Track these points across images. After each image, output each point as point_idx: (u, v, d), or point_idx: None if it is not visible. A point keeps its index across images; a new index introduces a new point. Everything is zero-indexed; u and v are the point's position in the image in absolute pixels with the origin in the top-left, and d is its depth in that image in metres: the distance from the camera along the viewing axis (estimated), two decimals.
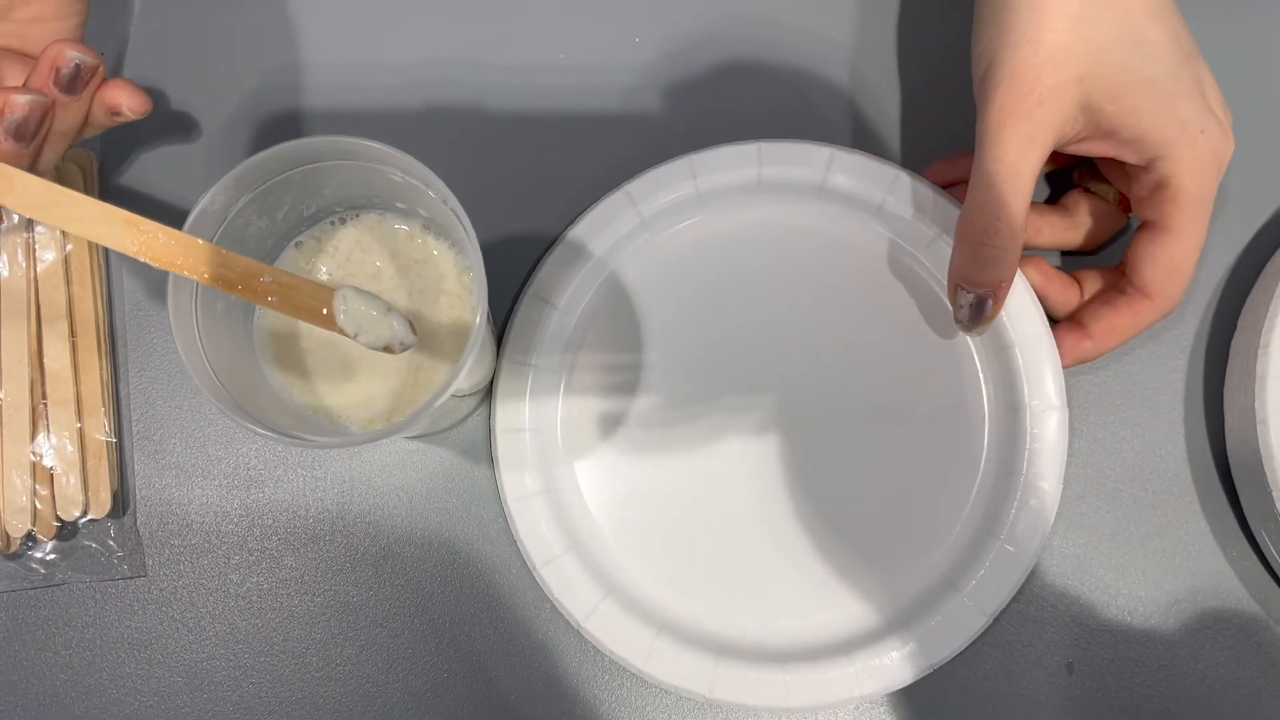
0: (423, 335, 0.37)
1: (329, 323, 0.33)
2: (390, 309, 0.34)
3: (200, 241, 0.32)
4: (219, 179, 0.32)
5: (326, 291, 0.33)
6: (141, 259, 0.31)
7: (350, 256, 0.38)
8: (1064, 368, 0.40)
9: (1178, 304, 0.38)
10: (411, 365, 0.37)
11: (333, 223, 0.38)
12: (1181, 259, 0.37)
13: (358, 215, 0.38)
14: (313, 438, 0.32)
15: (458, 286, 0.37)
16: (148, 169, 0.44)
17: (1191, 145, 0.36)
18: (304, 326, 0.37)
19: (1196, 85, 0.36)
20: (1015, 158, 0.36)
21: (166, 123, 0.44)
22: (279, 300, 0.33)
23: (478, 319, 0.31)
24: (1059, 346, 0.40)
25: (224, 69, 0.45)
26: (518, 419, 0.41)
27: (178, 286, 0.32)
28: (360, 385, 0.37)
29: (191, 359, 0.32)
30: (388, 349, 0.34)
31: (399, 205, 0.37)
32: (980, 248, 0.37)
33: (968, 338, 0.42)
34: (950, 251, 0.40)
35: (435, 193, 0.33)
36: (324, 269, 0.37)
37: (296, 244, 0.38)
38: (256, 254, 0.37)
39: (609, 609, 0.40)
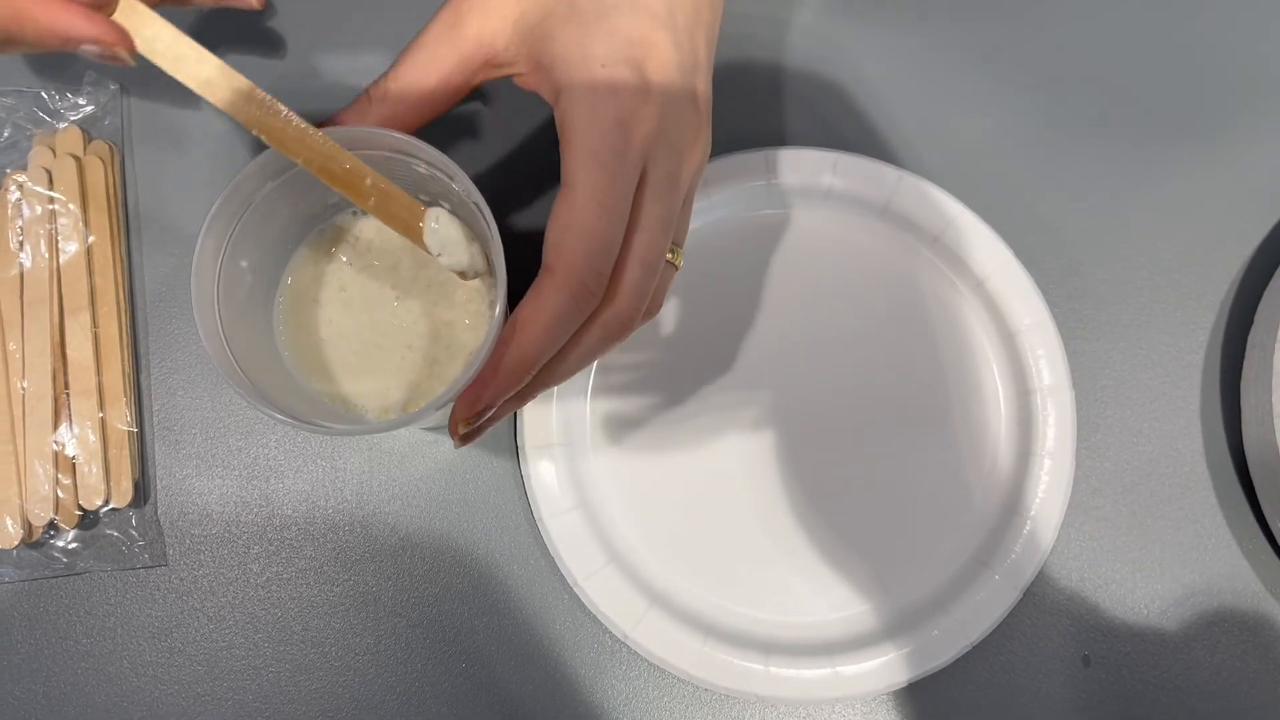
0: (439, 327, 0.37)
1: (417, 237, 0.33)
2: (474, 238, 0.33)
3: (315, 131, 0.31)
4: (243, 167, 0.33)
5: (419, 208, 0.33)
6: (254, 132, 0.30)
7: (371, 246, 0.38)
8: (499, 382, 0.31)
9: (584, 277, 0.30)
10: (428, 357, 0.37)
11: (354, 213, 0.38)
12: (574, 218, 0.30)
13: None
14: (330, 425, 0.32)
15: (474, 281, 0.37)
16: (168, 163, 0.44)
17: (586, 75, 0.31)
18: (322, 317, 0.38)
19: (626, 32, 0.31)
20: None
21: (188, 117, 0.45)
22: (377, 204, 0.32)
23: (497, 311, 0.32)
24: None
25: (252, 65, 0.45)
26: (546, 434, 0.41)
27: (200, 275, 0.32)
28: (377, 375, 0.37)
29: (213, 345, 0.32)
30: (462, 274, 0.34)
31: (422, 197, 0.37)
32: None
33: (975, 327, 0.43)
34: (952, 245, 0.42)
35: (458, 185, 0.33)
36: (344, 258, 0.38)
37: (319, 231, 0.38)
38: (280, 241, 0.37)
39: (655, 618, 0.40)
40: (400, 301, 0.37)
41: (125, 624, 0.41)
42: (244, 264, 0.35)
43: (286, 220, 0.36)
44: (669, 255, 0.34)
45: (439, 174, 0.33)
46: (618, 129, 0.30)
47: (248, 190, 0.33)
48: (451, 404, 0.32)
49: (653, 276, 0.32)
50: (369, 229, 0.38)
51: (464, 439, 0.32)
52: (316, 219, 0.38)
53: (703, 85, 0.34)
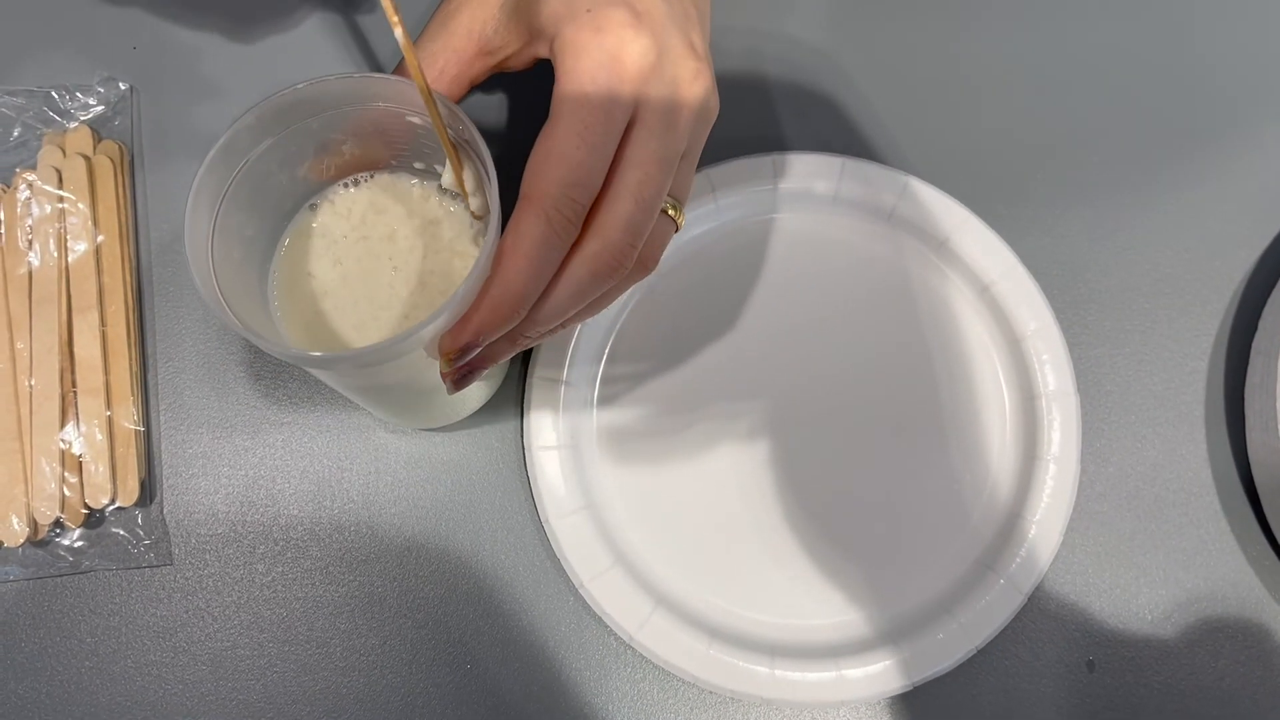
0: (435, 295, 0.37)
1: (458, 168, 0.34)
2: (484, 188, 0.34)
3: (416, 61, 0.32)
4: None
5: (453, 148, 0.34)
6: (395, 22, 0.30)
7: (365, 218, 0.38)
8: (483, 315, 0.30)
9: (558, 203, 0.30)
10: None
11: (346, 185, 0.38)
12: (551, 146, 0.30)
13: (371, 177, 0.38)
14: (318, 354, 0.31)
15: (473, 247, 0.37)
16: (177, 163, 0.45)
17: (573, 22, 0.31)
18: (319, 289, 0.37)
19: None
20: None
21: (197, 118, 0.45)
22: (441, 126, 0.32)
23: (487, 242, 0.31)
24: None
25: (259, 67, 0.45)
26: (552, 436, 0.41)
27: (194, 223, 0.32)
28: (375, 340, 0.37)
29: (205, 285, 0.31)
30: (477, 215, 0.35)
31: (417, 166, 0.37)
32: None
33: (980, 331, 0.43)
34: (958, 251, 0.42)
35: (456, 127, 0.32)
36: (339, 231, 0.37)
37: (311, 206, 0.37)
38: (276, 213, 0.36)
39: (660, 620, 0.40)
40: (398, 271, 0.37)
41: (130, 623, 0.41)
42: (238, 221, 0.34)
43: (283, 189, 0.36)
44: (670, 211, 0.34)
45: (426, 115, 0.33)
46: (605, 64, 0.30)
47: (247, 141, 0.33)
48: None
49: (648, 217, 0.31)
50: (363, 200, 0.38)
51: (455, 381, 0.32)
52: (311, 193, 0.37)
53: (697, 36, 0.33)
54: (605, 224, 0.31)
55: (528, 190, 0.30)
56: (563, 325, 0.33)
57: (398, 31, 0.30)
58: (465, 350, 0.31)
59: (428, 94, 0.32)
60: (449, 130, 0.33)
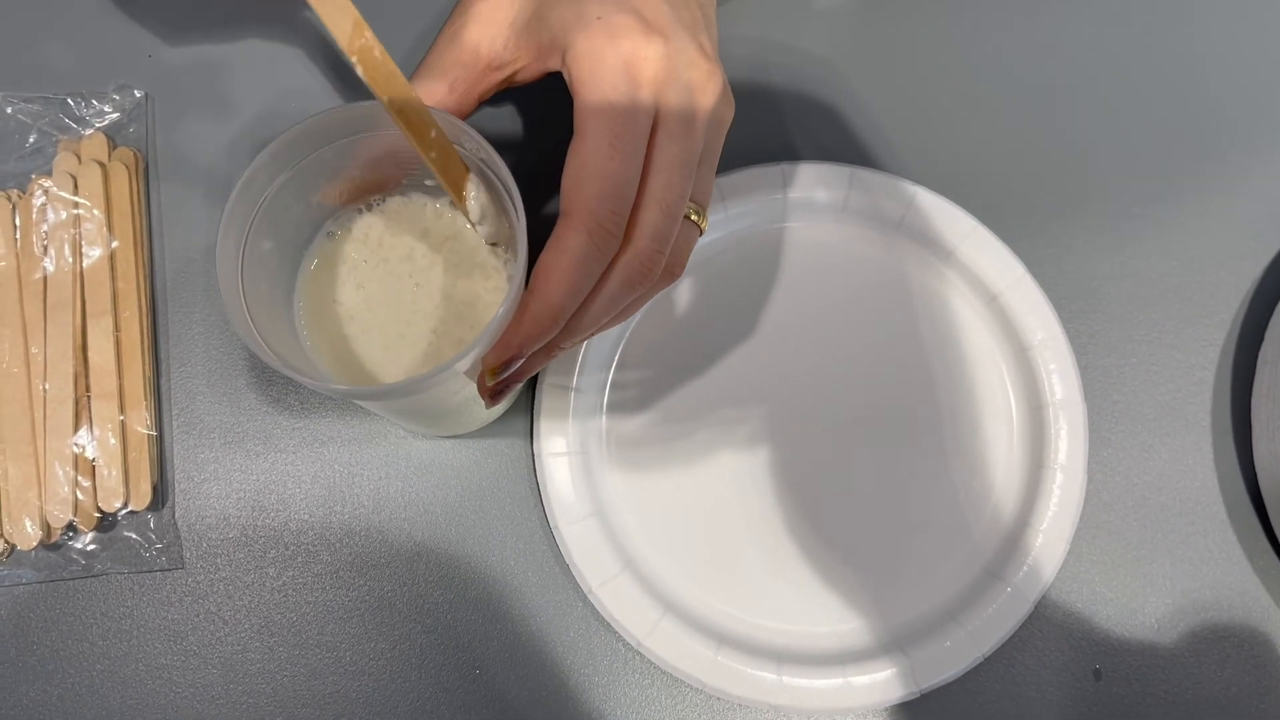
0: (461, 308, 0.37)
1: (461, 202, 0.34)
2: (502, 210, 0.34)
3: (401, 75, 0.31)
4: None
5: (466, 172, 0.33)
6: (353, 59, 0.30)
7: (382, 241, 0.38)
8: (525, 330, 0.31)
9: (600, 217, 0.30)
10: (454, 339, 0.37)
11: (360, 210, 0.38)
12: (586, 160, 0.30)
13: (383, 201, 0.38)
14: (359, 387, 0.31)
15: (490, 259, 0.37)
16: (191, 170, 0.45)
17: (584, 30, 0.32)
18: (344, 315, 0.38)
19: None
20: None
21: (212, 125, 0.45)
22: (438, 157, 0.32)
23: (519, 263, 0.31)
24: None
25: (272, 75, 0.46)
26: (562, 442, 0.42)
27: (224, 260, 0.32)
28: (404, 365, 0.36)
29: (236, 312, 0.32)
30: (495, 244, 0.34)
31: (428, 183, 0.37)
32: None
33: (988, 341, 0.43)
34: (966, 260, 0.42)
35: (466, 145, 0.33)
36: (357, 254, 0.38)
37: (329, 234, 0.38)
38: (294, 242, 0.37)
39: (668, 626, 0.40)
40: (420, 288, 0.37)
41: (141, 626, 0.42)
42: (263, 255, 0.35)
43: (300, 219, 0.36)
44: (693, 215, 0.34)
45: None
46: (623, 70, 0.31)
47: (262, 181, 0.33)
48: (475, 374, 0.32)
49: (673, 222, 0.32)
50: (378, 224, 0.38)
51: (493, 395, 0.32)
52: (325, 220, 0.38)
53: (705, 39, 0.34)
54: (635, 234, 0.31)
55: (568, 207, 0.30)
56: (592, 334, 0.34)
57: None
58: (508, 365, 0.31)
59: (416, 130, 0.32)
60: (460, 149, 0.33)
